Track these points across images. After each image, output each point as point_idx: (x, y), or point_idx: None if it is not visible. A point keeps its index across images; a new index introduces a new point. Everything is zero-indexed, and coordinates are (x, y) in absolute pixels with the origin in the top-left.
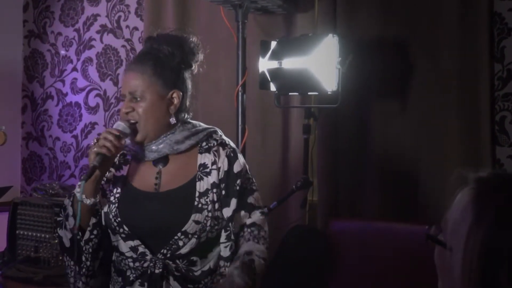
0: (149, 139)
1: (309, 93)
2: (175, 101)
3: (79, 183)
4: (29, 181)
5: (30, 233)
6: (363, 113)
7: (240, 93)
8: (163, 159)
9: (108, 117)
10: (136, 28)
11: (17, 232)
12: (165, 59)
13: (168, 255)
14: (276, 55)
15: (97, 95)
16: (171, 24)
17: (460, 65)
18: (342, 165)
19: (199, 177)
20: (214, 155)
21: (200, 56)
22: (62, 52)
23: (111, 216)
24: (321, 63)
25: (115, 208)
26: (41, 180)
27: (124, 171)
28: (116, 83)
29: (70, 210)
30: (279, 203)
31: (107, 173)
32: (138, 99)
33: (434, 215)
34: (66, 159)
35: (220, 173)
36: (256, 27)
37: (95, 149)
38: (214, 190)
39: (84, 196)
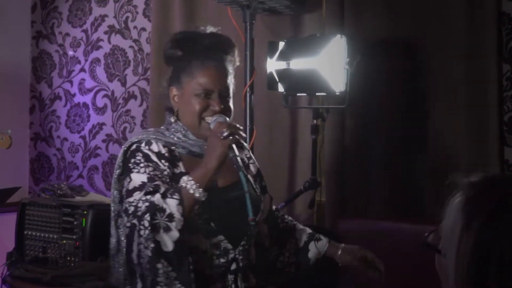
0: None
1: (317, 94)
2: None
3: (190, 178)
4: (37, 182)
5: (38, 234)
6: (371, 113)
7: (248, 94)
8: None
9: (116, 117)
10: (144, 29)
11: (25, 232)
12: (235, 58)
13: (247, 247)
14: (284, 56)
15: (105, 95)
16: (178, 25)
17: (468, 65)
18: (350, 165)
19: (246, 170)
20: (248, 150)
21: None
22: (70, 52)
23: (193, 214)
24: (329, 63)
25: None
26: (49, 180)
27: (181, 168)
28: (124, 84)
29: (176, 210)
30: (286, 203)
31: (165, 171)
32: (226, 96)
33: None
34: (74, 160)
35: (254, 168)
36: (264, 28)
37: (231, 138)
38: (256, 183)
39: (201, 191)
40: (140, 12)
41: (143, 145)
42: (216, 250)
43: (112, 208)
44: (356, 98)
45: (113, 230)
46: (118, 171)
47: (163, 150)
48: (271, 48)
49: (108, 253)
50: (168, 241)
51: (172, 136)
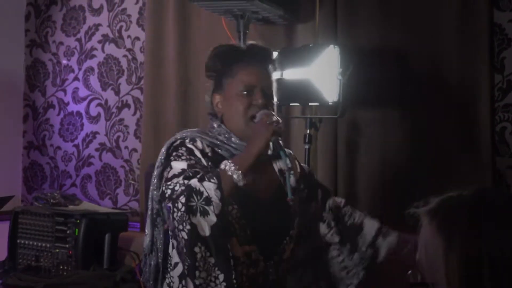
0: None
1: (310, 104)
2: None
3: (230, 160)
4: (30, 190)
5: (31, 242)
6: (364, 123)
7: None
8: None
9: (109, 126)
10: (137, 38)
11: (18, 241)
12: (275, 68)
13: (277, 260)
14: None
15: (99, 104)
16: (172, 34)
17: (460, 75)
18: (343, 174)
19: (283, 182)
20: (288, 159)
21: None
22: (64, 61)
23: (230, 218)
24: (322, 73)
25: (235, 209)
26: (42, 189)
27: None
28: (117, 93)
29: (214, 194)
30: None
31: (206, 168)
32: (269, 93)
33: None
34: (67, 169)
35: (295, 177)
36: (257, 38)
37: (275, 125)
38: (295, 193)
39: (240, 174)
40: (134, 21)
41: (187, 140)
42: (246, 259)
43: (150, 207)
44: (349, 108)
45: (148, 229)
46: (159, 168)
47: (207, 149)
48: None
49: (101, 261)
50: (205, 225)
51: (215, 138)
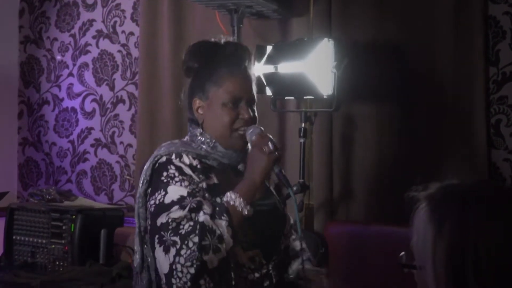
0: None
1: (305, 97)
2: None
3: (236, 194)
4: (25, 187)
5: (26, 239)
6: (359, 117)
7: None
8: (241, 169)
9: (104, 122)
10: (132, 33)
11: (13, 237)
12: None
13: (277, 261)
14: (271, 60)
15: (93, 100)
16: (166, 29)
17: (455, 68)
18: (339, 169)
19: (268, 183)
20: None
21: None
22: (58, 57)
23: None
24: (317, 67)
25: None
26: (37, 185)
27: (214, 179)
28: (112, 88)
29: (226, 231)
30: None
31: (201, 183)
32: (253, 104)
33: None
34: (62, 165)
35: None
36: (251, 32)
37: (276, 154)
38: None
39: (248, 207)
40: (128, 16)
41: (173, 157)
42: (251, 264)
43: (137, 224)
44: (344, 101)
45: (137, 247)
46: (144, 186)
47: (195, 162)
48: (259, 52)
49: (97, 257)
50: (215, 259)
51: (199, 148)
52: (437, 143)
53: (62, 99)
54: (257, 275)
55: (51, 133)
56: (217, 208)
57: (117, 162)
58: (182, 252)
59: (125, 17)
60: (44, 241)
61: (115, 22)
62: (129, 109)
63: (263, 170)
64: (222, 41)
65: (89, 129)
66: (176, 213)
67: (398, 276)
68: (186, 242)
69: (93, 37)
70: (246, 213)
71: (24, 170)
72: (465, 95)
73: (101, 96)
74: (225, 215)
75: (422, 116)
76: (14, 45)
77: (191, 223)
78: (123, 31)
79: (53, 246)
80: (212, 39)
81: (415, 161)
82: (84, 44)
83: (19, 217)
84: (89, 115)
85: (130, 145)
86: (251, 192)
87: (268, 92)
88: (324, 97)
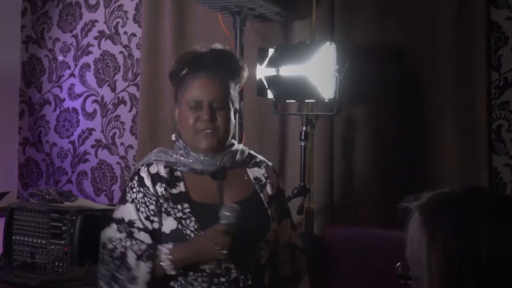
0: (216, 150)
1: (306, 101)
2: (236, 114)
3: (169, 255)
4: (25, 187)
5: (26, 239)
6: (360, 120)
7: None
8: (221, 173)
9: (105, 123)
10: (134, 35)
11: (13, 237)
12: (235, 71)
13: (252, 267)
14: (273, 62)
15: (95, 101)
16: (168, 31)
17: (457, 73)
18: (339, 172)
19: (259, 189)
20: (266, 169)
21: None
22: (60, 57)
23: (188, 231)
24: (319, 70)
25: (193, 222)
26: (38, 185)
27: (181, 187)
28: (113, 89)
29: (145, 277)
30: None
31: (161, 192)
32: (218, 108)
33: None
34: (63, 165)
35: (272, 188)
36: (254, 34)
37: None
38: (272, 203)
39: (173, 268)
40: (131, 17)
41: (143, 167)
42: (216, 268)
43: None
44: (345, 105)
45: None
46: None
47: (163, 171)
48: (261, 55)
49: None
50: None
51: (174, 155)
52: (439, 147)
53: (63, 100)
54: (222, 279)
55: (52, 133)
56: (149, 251)
57: (118, 163)
58: (102, 269)
59: (127, 18)
60: (43, 242)
61: (117, 23)
62: (130, 110)
63: (204, 257)
64: (209, 49)
65: (90, 130)
66: (114, 233)
67: (397, 280)
68: (105, 262)
69: (95, 38)
70: (168, 270)
71: (25, 170)
72: (467, 100)
73: (102, 97)
74: (150, 262)
75: (423, 120)
76: (16, 44)
77: (122, 250)
78: (125, 32)
79: (52, 246)
80: (200, 48)
81: (416, 166)
82: (86, 44)
83: (19, 217)
84: (90, 115)
85: (130, 146)
86: (184, 261)
87: (270, 95)
88: (326, 100)
